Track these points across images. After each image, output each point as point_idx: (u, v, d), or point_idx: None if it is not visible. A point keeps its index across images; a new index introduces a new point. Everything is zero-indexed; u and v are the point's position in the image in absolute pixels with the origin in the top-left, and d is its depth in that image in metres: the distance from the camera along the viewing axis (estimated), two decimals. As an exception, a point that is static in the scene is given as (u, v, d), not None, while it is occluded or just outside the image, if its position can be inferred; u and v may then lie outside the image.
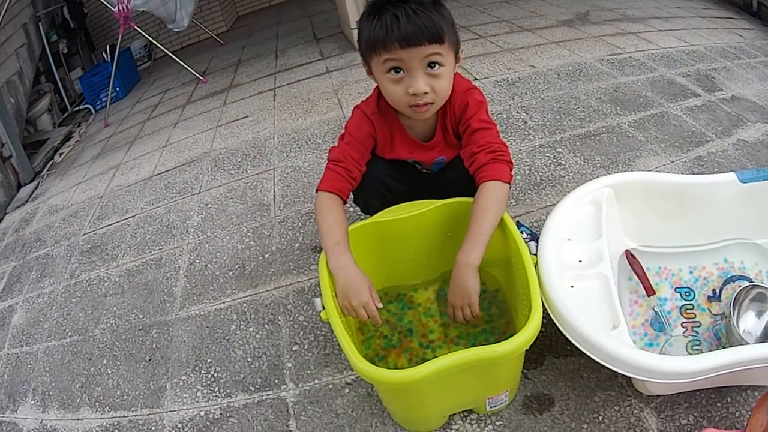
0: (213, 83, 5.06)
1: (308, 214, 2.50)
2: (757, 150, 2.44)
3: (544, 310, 1.29)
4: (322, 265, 1.47)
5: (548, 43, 3.95)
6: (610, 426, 1.40)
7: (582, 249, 1.48)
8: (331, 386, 1.68)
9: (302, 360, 1.79)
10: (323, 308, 1.38)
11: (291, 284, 2.12)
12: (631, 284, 1.65)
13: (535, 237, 1.83)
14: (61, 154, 4.76)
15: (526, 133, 2.76)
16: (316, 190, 1.60)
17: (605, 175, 1.72)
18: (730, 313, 1.44)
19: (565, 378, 1.53)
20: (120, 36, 5.23)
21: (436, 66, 1.45)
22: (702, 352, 1.46)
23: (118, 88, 5.71)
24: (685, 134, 2.58)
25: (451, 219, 1.61)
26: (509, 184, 1.52)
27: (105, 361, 2.07)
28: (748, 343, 1.35)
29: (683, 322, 1.56)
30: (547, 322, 1.32)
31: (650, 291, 1.59)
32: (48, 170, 4.49)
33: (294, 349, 1.84)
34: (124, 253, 2.68)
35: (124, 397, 1.89)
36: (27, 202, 3.97)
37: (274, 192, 2.77)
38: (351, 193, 1.66)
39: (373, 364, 1.20)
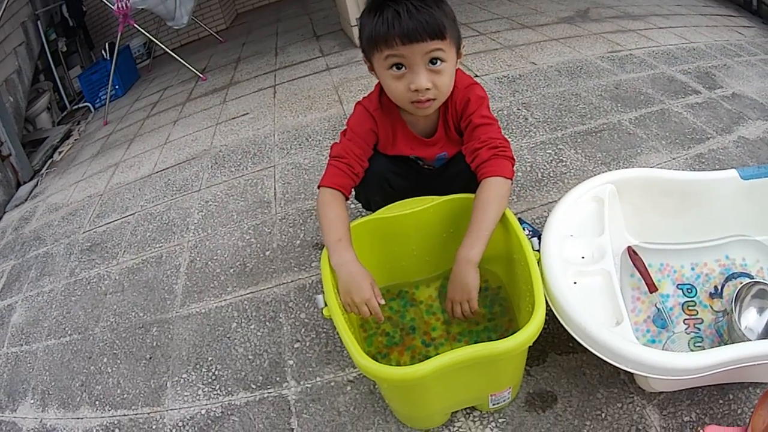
0: (213, 81, 5.05)
1: (309, 211, 2.50)
2: (757, 147, 2.43)
3: (547, 306, 1.29)
4: (324, 261, 1.46)
5: (548, 40, 3.94)
6: (612, 423, 1.39)
7: (585, 245, 1.48)
8: (333, 384, 1.67)
9: (304, 357, 1.79)
10: (325, 305, 1.38)
11: (292, 281, 2.11)
12: (633, 281, 1.65)
13: (536, 233, 1.82)
14: (60, 153, 4.75)
15: (527, 129, 2.76)
16: (318, 186, 1.59)
17: (606, 171, 1.72)
18: (731, 309, 1.44)
19: (568, 375, 1.52)
20: (119, 34, 5.23)
21: (438, 62, 1.45)
22: (704, 349, 1.45)
23: (117, 86, 5.70)
24: (686, 131, 2.58)
25: (454, 215, 1.61)
26: (511, 180, 1.52)
27: (105, 360, 2.06)
28: (750, 340, 1.35)
29: (685, 319, 1.56)
30: (550, 318, 1.32)
31: (652, 288, 1.59)
32: (47, 169, 4.48)
33: (295, 346, 1.84)
34: (124, 251, 2.68)
35: (125, 395, 1.88)
36: (26, 200, 3.97)
37: (275, 189, 2.76)
38: (353, 189, 1.65)
39: (376, 361, 1.19)
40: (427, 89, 1.46)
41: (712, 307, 1.58)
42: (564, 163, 2.43)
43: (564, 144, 2.57)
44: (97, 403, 1.90)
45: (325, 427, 1.55)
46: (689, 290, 1.63)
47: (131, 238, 2.77)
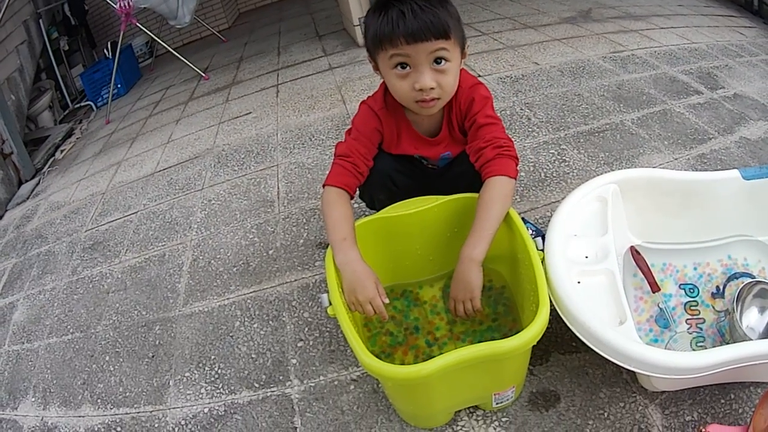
0: (215, 80, 5.05)
1: (312, 210, 2.50)
2: (759, 148, 2.44)
3: (551, 306, 1.29)
4: (328, 260, 1.46)
5: (551, 41, 3.94)
6: (615, 422, 1.40)
7: (588, 245, 1.48)
8: (336, 383, 1.67)
9: (307, 356, 1.79)
10: (330, 304, 1.38)
11: (296, 280, 2.12)
12: (635, 280, 1.65)
13: (540, 233, 1.82)
14: (62, 151, 4.75)
15: (530, 129, 2.76)
16: (323, 185, 1.59)
17: (609, 172, 1.72)
18: (733, 309, 1.45)
19: (571, 374, 1.53)
20: (122, 33, 5.23)
21: (443, 61, 1.46)
22: (706, 349, 1.46)
23: (119, 85, 5.70)
24: (688, 131, 2.58)
25: (458, 215, 1.61)
26: (515, 179, 1.52)
27: (107, 358, 2.06)
28: (751, 339, 1.36)
29: (687, 319, 1.57)
30: (553, 318, 1.32)
31: (655, 287, 1.60)
32: (49, 167, 4.48)
33: (299, 345, 1.84)
34: (127, 250, 2.68)
35: (127, 394, 1.89)
36: (28, 198, 3.97)
37: (278, 188, 2.76)
38: (357, 188, 1.65)
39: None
40: (432, 89, 1.46)
41: (714, 307, 1.59)
42: (567, 163, 2.43)
43: (567, 144, 2.58)
44: (99, 401, 1.90)
45: (328, 426, 1.56)
46: (691, 290, 1.64)
47: (134, 236, 2.77)
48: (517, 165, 1.54)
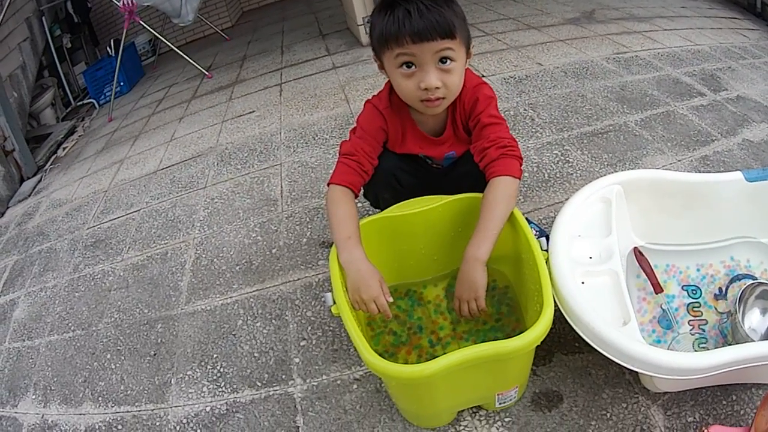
0: (218, 78, 5.05)
1: (316, 209, 2.50)
2: (761, 150, 2.43)
3: (555, 306, 1.29)
4: (332, 259, 1.47)
5: (555, 41, 3.94)
6: (617, 423, 1.40)
7: (592, 245, 1.48)
8: (339, 382, 1.67)
9: (310, 355, 1.79)
10: (334, 303, 1.38)
11: (299, 279, 2.11)
12: (639, 281, 1.66)
13: (543, 234, 1.82)
14: (64, 149, 4.76)
15: (533, 130, 2.76)
16: (328, 184, 1.59)
17: (613, 173, 1.72)
18: (735, 310, 1.45)
19: (574, 375, 1.53)
20: (125, 30, 5.23)
21: (448, 61, 1.46)
22: (708, 350, 1.46)
23: (122, 83, 5.70)
24: (691, 133, 2.58)
25: (462, 215, 1.61)
26: (519, 179, 1.52)
27: (109, 356, 2.06)
28: (753, 341, 1.36)
29: (690, 320, 1.57)
30: (556, 318, 1.31)
31: (658, 288, 1.60)
32: (51, 164, 4.49)
33: (302, 344, 1.84)
34: (129, 248, 2.68)
35: (128, 392, 1.89)
36: (30, 196, 3.97)
37: (281, 187, 2.76)
38: (362, 187, 1.65)
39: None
40: (437, 88, 1.47)
41: (716, 309, 1.59)
42: (570, 164, 2.43)
43: (570, 145, 2.58)
44: (100, 399, 1.90)
45: (331, 425, 1.56)
46: (694, 291, 1.64)
47: (136, 234, 2.77)
48: (521, 165, 1.54)
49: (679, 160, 2.39)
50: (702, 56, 3.52)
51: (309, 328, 1.89)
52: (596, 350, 1.27)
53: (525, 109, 2.98)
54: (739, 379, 1.40)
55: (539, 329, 1.18)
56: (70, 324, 2.31)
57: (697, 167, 2.34)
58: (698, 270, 1.69)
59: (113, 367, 2.01)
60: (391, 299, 1.41)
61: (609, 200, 1.59)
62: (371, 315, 1.49)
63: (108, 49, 5.93)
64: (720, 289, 1.63)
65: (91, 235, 2.94)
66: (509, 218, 1.48)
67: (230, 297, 2.13)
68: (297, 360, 1.79)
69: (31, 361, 2.21)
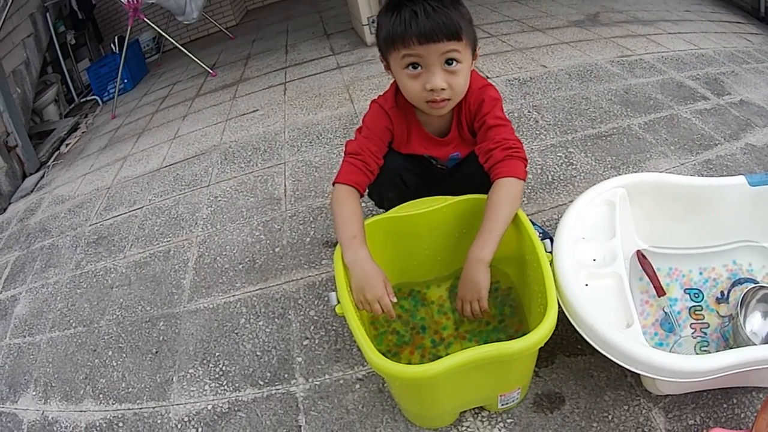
0: (222, 77, 5.05)
1: (320, 208, 2.50)
2: (764, 154, 2.44)
3: (558, 308, 1.29)
4: (337, 258, 1.46)
5: (559, 44, 3.94)
6: (619, 425, 1.40)
7: (596, 248, 1.49)
8: (341, 381, 1.68)
9: (313, 355, 1.79)
10: (338, 302, 1.38)
11: (302, 278, 2.12)
12: (642, 284, 1.66)
13: (547, 236, 1.83)
14: (67, 145, 4.76)
15: (537, 132, 2.77)
16: (333, 183, 1.59)
17: (616, 176, 1.73)
18: (737, 314, 1.45)
19: (576, 377, 1.53)
20: (129, 28, 5.23)
21: (454, 63, 1.46)
22: (710, 353, 1.46)
23: (126, 80, 5.70)
24: (695, 137, 2.58)
25: (466, 216, 1.62)
26: (524, 181, 1.52)
27: (110, 353, 2.07)
28: (755, 344, 1.36)
29: (692, 323, 1.57)
30: (559, 320, 1.32)
31: (660, 291, 1.60)
32: (54, 161, 4.49)
33: (304, 343, 1.84)
34: (132, 245, 2.68)
35: (130, 389, 1.89)
36: (32, 192, 3.98)
37: (285, 186, 2.76)
38: (367, 186, 1.66)
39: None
40: (443, 89, 1.47)
41: (718, 312, 1.59)
42: (574, 167, 2.44)
43: (574, 147, 2.58)
44: (101, 396, 1.90)
45: (333, 425, 1.56)
46: (696, 295, 1.64)
47: (139, 231, 2.78)
48: (526, 166, 1.54)
49: (682, 164, 2.39)
50: (706, 60, 3.52)
51: (312, 327, 1.89)
52: (598, 352, 1.28)
53: (529, 111, 2.98)
54: (740, 383, 1.40)
55: (543, 330, 1.18)
56: (71, 320, 2.32)
57: (700, 171, 2.34)
58: (701, 273, 1.69)
59: (115, 364, 2.01)
60: (395, 299, 1.42)
61: (613, 203, 1.60)
62: (375, 315, 1.49)
63: (112, 46, 5.93)
64: (722, 292, 1.64)
65: (93, 231, 2.94)
66: (513, 220, 1.48)
67: (233, 295, 2.13)
68: (299, 359, 1.79)
69: (31, 357, 2.21)
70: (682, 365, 1.18)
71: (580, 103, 2.98)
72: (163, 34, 5.67)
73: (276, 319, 1.97)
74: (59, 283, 2.61)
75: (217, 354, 1.90)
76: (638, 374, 1.35)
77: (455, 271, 1.73)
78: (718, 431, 1.20)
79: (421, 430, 1.49)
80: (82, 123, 5.25)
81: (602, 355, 1.27)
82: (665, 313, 1.58)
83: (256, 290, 2.13)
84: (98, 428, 1.79)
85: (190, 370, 1.87)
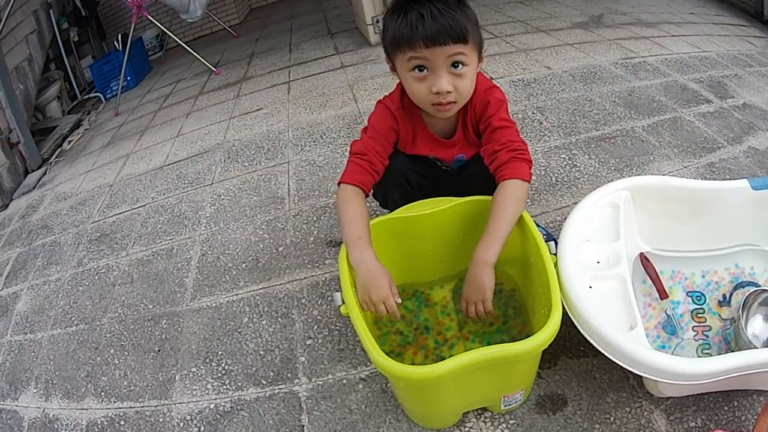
0: (226, 75, 5.05)
1: (323, 208, 2.50)
2: (767, 158, 2.44)
3: (562, 309, 1.30)
4: (342, 258, 1.47)
5: (563, 45, 3.95)
6: (621, 427, 1.41)
7: (600, 250, 1.49)
8: (344, 381, 1.68)
9: (316, 354, 1.79)
10: (343, 302, 1.39)
11: (305, 278, 2.12)
12: (644, 287, 1.66)
13: (551, 237, 1.83)
14: (69, 142, 4.76)
15: (541, 133, 2.77)
16: (338, 183, 1.60)
17: (620, 178, 1.73)
18: (739, 317, 1.46)
19: (579, 378, 1.54)
20: (133, 25, 5.23)
21: (460, 65, 1.46)
22: (711, 356, 1.46)
23: (129, 78, 5.70)
24: (698, 140, 2.59)
25: (471, 217, 1.62)
26: (529, 182, 1.53)
27: (112, 351, 2.07)
28: (756, 347, 1.36)
29: (694, 326, 1.58)
30: (562, 322, 1.32)
31: (663, 294, 1.60)
32: (56, 157, 4.50)
33: (308, 343, 1.84)
34: (134, 243, 2.69)
35: (131, 387, 1.89)
36: (34, 188, 3.98)
37: (289, 185, 2.76)
38: (372, 187, 1.66)
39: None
40: (449, 92, 1.47)
41: (720, 315, 1.59)
42: (578, 168, 2.44)
43: (578, 149, 2.58)
44: (102, 394, 1.90)
45: (336, 425, 1.56)
46: (698, 298, 1.64)
47: (141, 229, 2.78)
48: (531, 168, 1.55)
49: (685, 167, 2.39)
50: (709, 63, 3.52)
51: (315, 327, 1.90)
52: (601, 354, 1.28)
53: (533, 113, 2.98)
54: (741, 386, 1.40)
55: (548, 332, 1.19)
56: (73, 318, 2.32)
57: (703, 174, 2.34)
58: (703, 276, 1.69)
59: (116, 362, 2.01)
60: (400, 300, 1.42)
61: (617, 205, 1.60)
62: (379, 315, 1.49)
63: (115, 43, 5.92)
64: (724, 295, 1.64)
65: (95, 229, 2.95)
66: (518, 221, 1.48)
67: (236, 294, 2.14)
68: (303, 359, 1.79)
69: (33, 354, 2.21)
70: (685, 368, 1.18)
71: (583, 105, 2.98)
72: (167, 31, 5.68)
73: (279, 319, 1.97)
74: (61, 280, 2.61)
75: (219, 353, 1.90)
76: (640, 376, 1.36)
77: (459, 272, 1.74)
78: (719, 433, 1.21)
79: (424, 430, 1.50)
80: (85, 120, 5.26)
81: (604, 356, 1.28)
82: (668, 315, 1.58)
83: (259, 289, 2.13)
84: (100, 426, 1.79)
85: (193, 369, 1.87)
